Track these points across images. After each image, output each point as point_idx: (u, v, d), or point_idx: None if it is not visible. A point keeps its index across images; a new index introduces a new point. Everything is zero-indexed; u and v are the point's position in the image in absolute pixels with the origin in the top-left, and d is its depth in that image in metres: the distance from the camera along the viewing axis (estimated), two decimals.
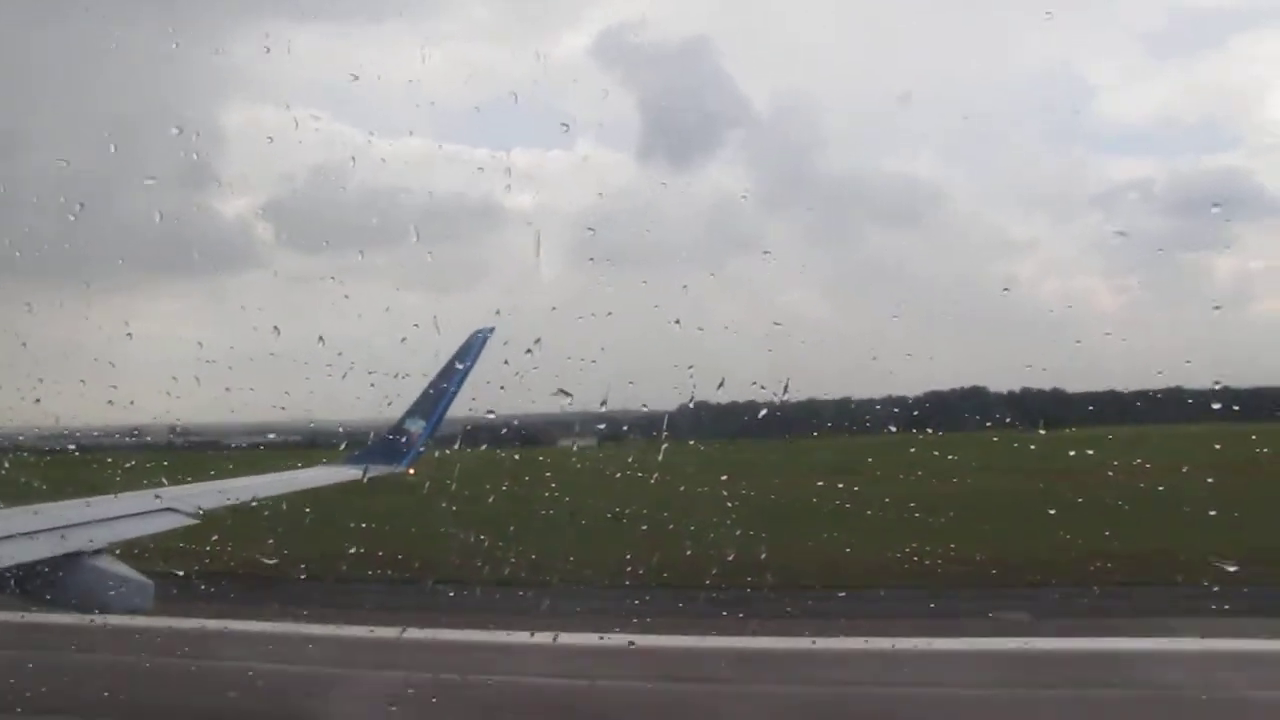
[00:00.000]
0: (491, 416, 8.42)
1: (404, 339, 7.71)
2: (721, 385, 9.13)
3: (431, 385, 8.66)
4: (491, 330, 8.51)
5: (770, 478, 15.86)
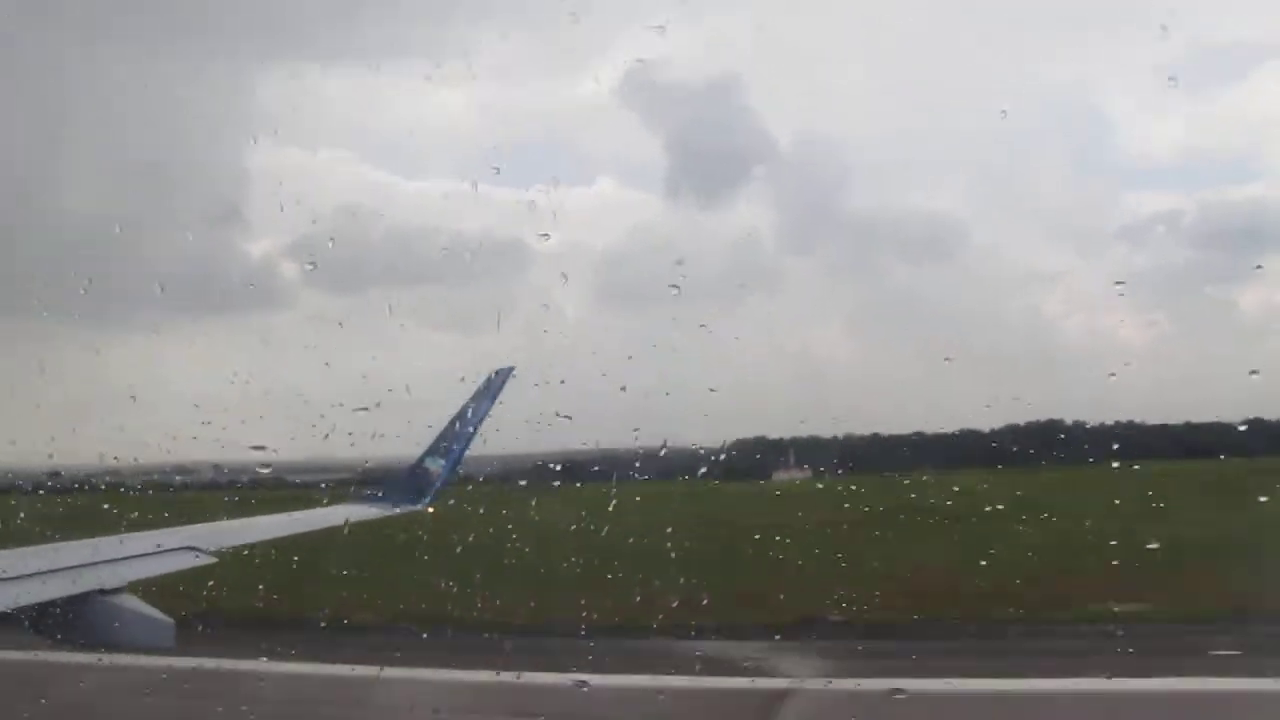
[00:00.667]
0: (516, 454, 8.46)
1: (429, 375, 7.78)
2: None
3: (451, 423, 8.67)
4: (512, 369, 8.52)
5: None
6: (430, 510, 8.49)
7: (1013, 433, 15.18)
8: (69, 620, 5.72)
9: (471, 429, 8.62)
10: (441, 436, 8.66)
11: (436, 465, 8.49)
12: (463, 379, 8.66)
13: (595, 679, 8.99)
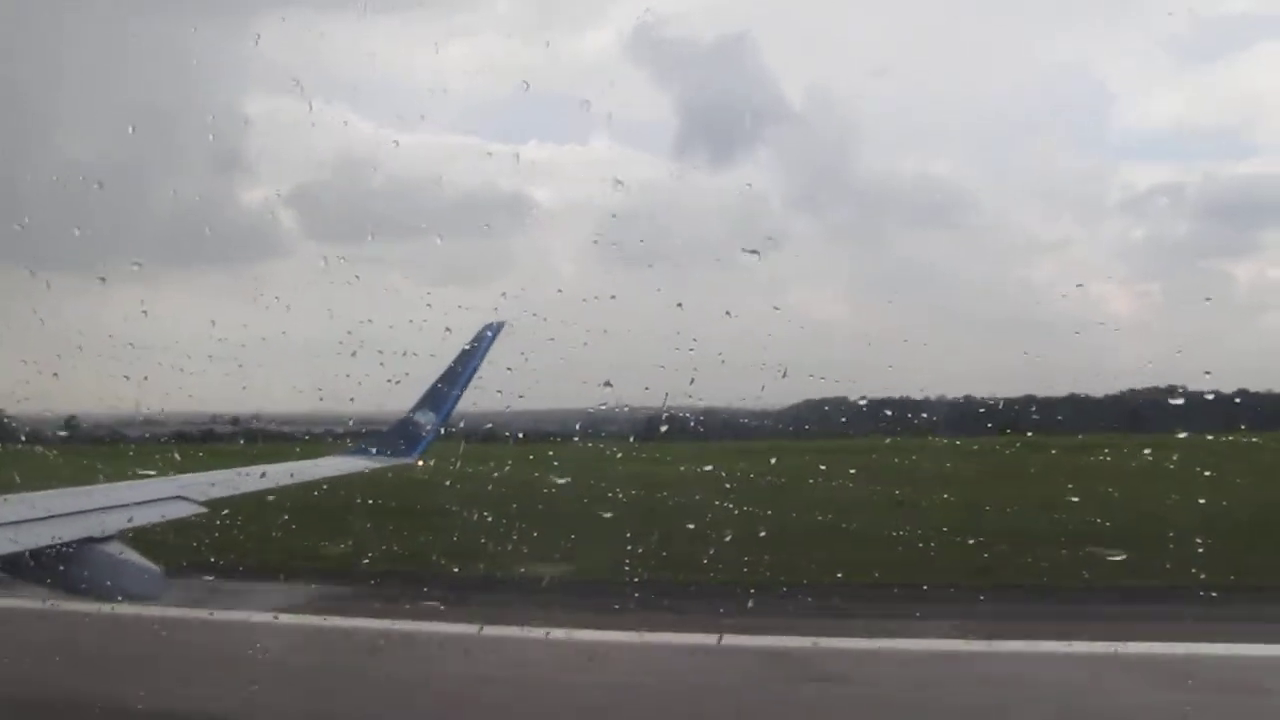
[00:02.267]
0: (506, 410, 8.46)
1: (421, 329, 7.75)
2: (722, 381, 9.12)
3: (442, 378, 8.66)
4: (502, 324, 8.49)
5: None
6: (419, 463, 8.52)
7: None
8: (58, 568, 5.72)
9: (462, 383, 8.61)
10: (431, 391, 8.67)
11: (426, 419, 8.50)
12: (449, 330, 8.58)
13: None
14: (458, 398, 8.72)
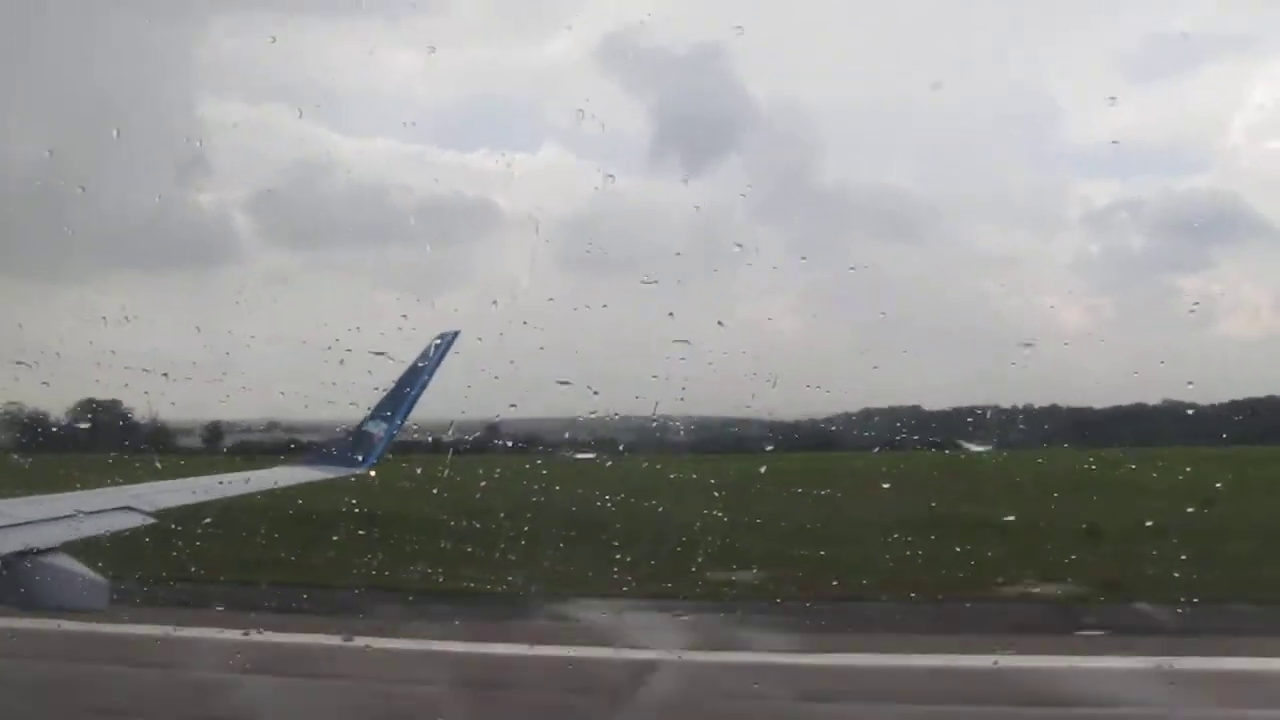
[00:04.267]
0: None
1: (382, 335, 7.81)
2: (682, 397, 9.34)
3: (395, 388, 8.65)
4: (456, 333, 8.53)
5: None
6: (371, 474, 8.50)
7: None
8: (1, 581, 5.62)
9: (415, 393, 8.62)
10: (384, 401, 8.65)
11: (379, 429, 8.49)
12: (419, 340, 8.65)
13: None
14: (410, 408, 8.72)
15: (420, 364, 8.59)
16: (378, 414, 8.58)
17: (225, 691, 8.68)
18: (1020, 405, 14.76)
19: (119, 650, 9.86)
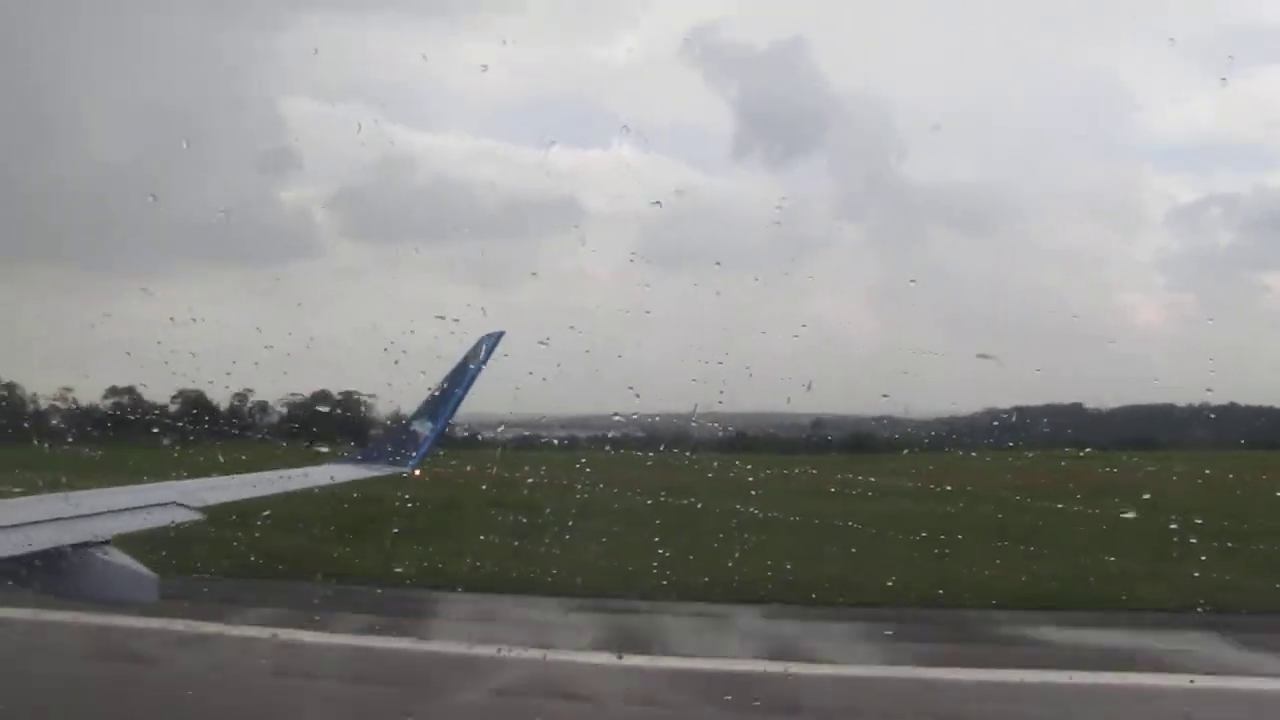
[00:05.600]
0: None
1: (452, 332, 7.86)
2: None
3: (440, 386, 8.64)
4: (501, 334, 8.49)
5: None
6: (416, 472, 8.49)
7: None
8: (53, 573, 5.67)
9: (460, 392, 8.60)
10: (430, 400, 8.64)
11: (424, 428, 8.47)
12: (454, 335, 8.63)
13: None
14: (455, 407, 8.69)
15: (465, 363, 8.57)
16: (424, 413, 8.57)
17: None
18: (1196, 404, 14.22)
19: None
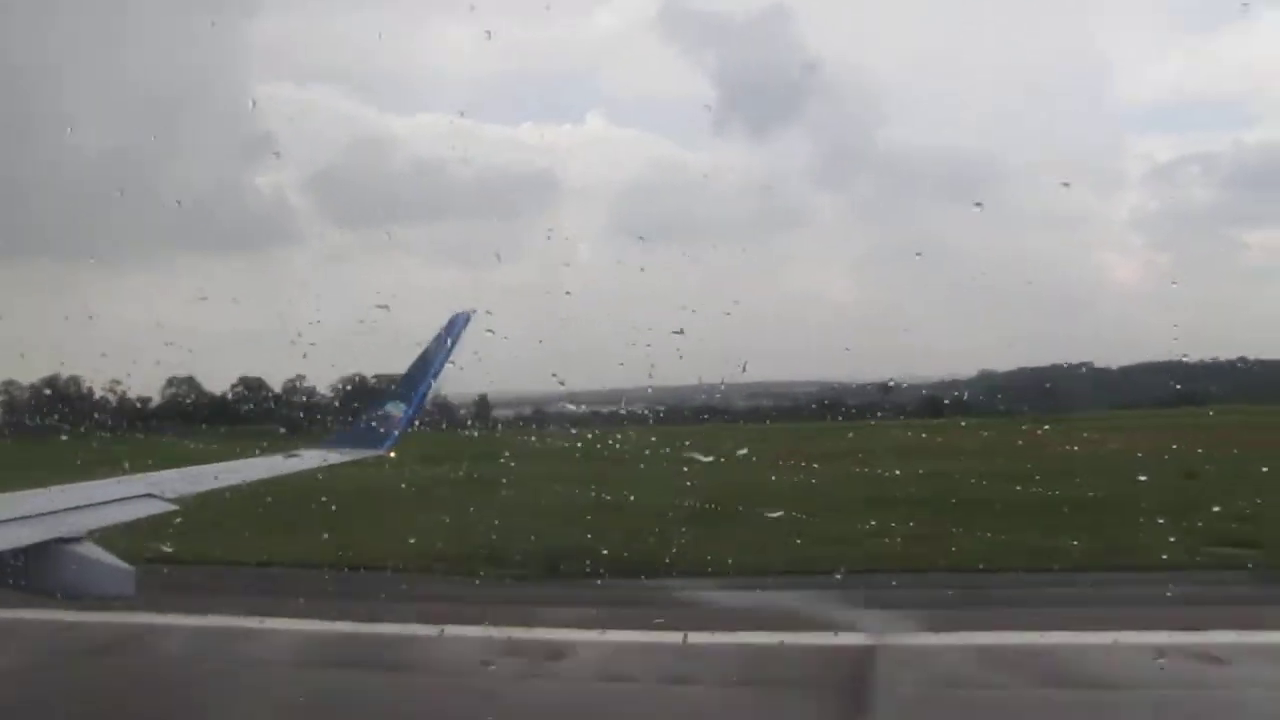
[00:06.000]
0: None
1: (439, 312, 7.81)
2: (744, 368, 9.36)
3: (412, 368, 8.59)
4: (473, 312, 8.46)
5: None
6: (391, 455, 8.45)
7: None
8: (28, 569, 5.59)
9: (431, 374, 8.55)
10: (403, 382, 8.59)
11: (398, 410, 8.42)
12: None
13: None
14: (427, 389, 8.66)
15: (436, 344, 8.52)
16: (396, 395, 8.52)
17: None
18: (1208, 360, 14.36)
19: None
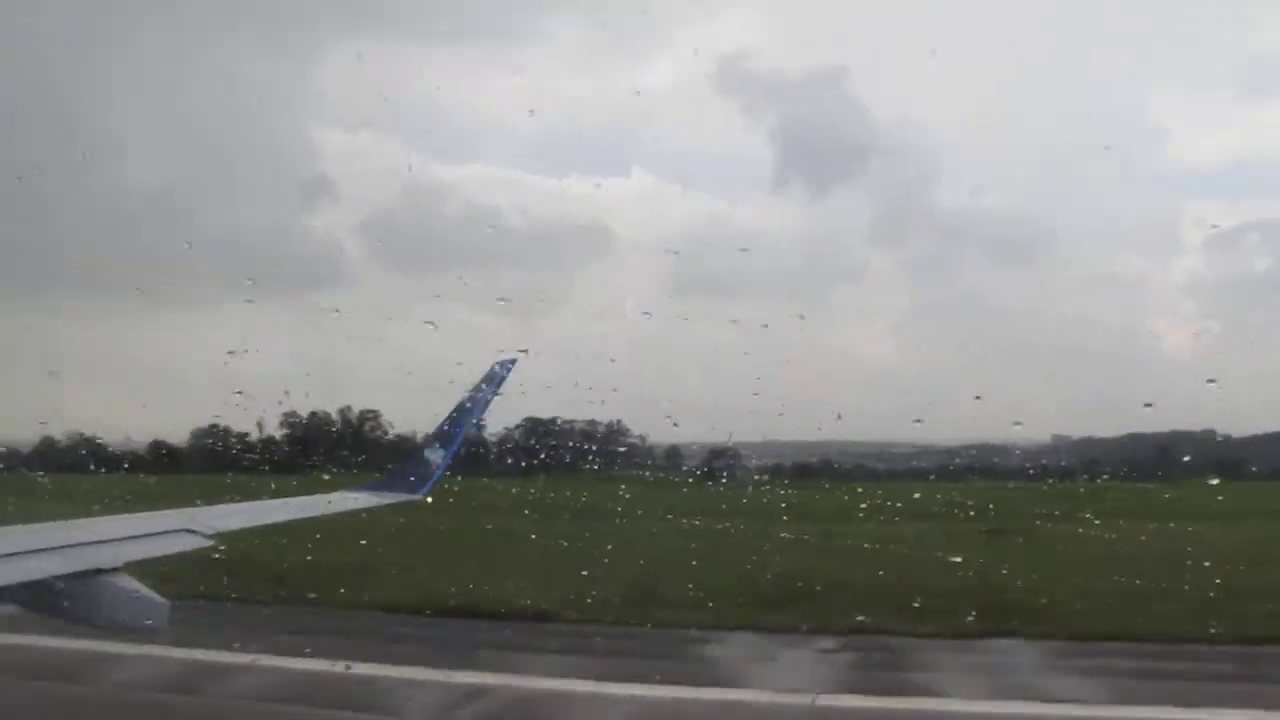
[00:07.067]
0: None
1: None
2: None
3: (452, 414, 8.63)
4: (514, 360, 8.51)
5: None
6: (428, 500, 8.45)
7: None
8: (66, 599, 5.66)
9: (472, 420, 8.59)
10: (441, 427, 8.63)
11: (436, 455, 8.45)
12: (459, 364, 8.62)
13: None
14: (465, 435, 8.69)
15: (478, 391, 8.57)
16: (435, 440, 8.57)
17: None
18: None
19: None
